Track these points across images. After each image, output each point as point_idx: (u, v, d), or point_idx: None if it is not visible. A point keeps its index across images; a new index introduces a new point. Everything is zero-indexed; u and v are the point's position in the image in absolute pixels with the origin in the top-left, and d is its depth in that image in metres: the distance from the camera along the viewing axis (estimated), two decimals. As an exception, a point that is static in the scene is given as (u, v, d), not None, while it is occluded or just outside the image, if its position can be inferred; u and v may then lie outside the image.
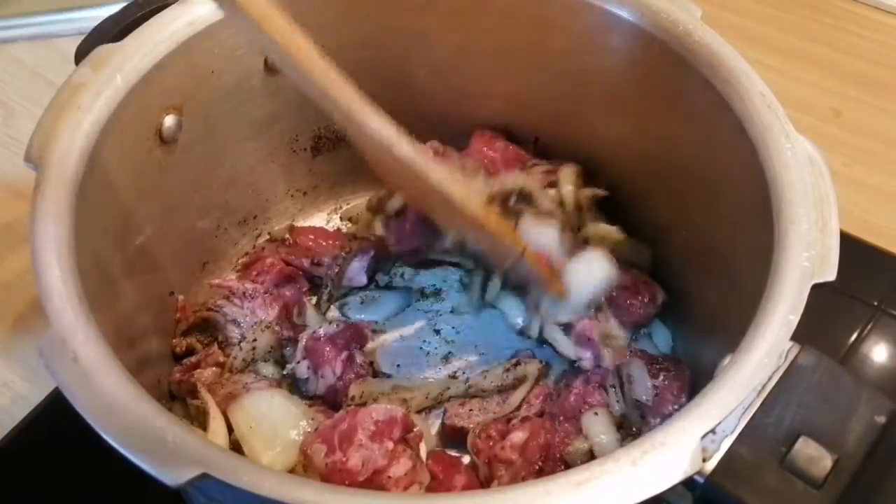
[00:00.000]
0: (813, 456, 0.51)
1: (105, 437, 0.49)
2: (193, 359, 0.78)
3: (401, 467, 0.65)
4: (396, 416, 0.68)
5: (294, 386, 0.79)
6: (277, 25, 0.58)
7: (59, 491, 0.76)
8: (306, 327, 0.81)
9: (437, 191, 0.67)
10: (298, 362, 0.78)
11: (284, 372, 0.78)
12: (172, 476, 0.47)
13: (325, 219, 0.95)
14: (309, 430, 0.69)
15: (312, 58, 0.60)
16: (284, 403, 0.71)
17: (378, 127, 0.63)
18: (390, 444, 0.66)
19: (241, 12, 0.57)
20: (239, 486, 0.47)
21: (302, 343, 0.78)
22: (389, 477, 0.64)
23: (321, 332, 0.78)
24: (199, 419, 0.72)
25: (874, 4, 1.19)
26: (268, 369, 0.78)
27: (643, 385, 0.74)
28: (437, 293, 0.88)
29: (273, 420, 0.69)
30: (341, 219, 0.95)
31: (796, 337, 0.55)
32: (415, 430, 0.70)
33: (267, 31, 0.58)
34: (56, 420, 0.76)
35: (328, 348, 0.77)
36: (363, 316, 0.86)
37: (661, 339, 0.83)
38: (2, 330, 0.86)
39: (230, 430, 0.69)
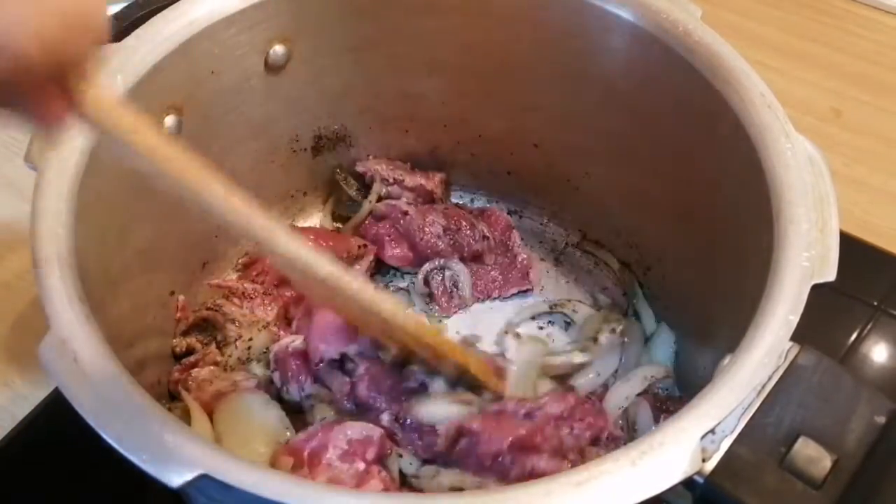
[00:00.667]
0: (813, 456, 0.51)
1: (105, 437, 0.49)
2: (192, 358, 0.78)
3: (370, 489, 0.63)
4: (373, 435, 0.66)
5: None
6: (156, 146, 0.51)
7: (59, 491, 0.76)
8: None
9: (368, 309, 0.62)
10: (273, 371, 0.77)
11: (269, 373, 0.78)
12: (172, 477, 0.47)
13: (325, 219, 0.95)
14: (283, 439, 0.69)
15: (206, 176, 0.53)
16: (262, 411, 0.71)
17: (293, 247, 0.58)
18: (361, 465, 0.64)
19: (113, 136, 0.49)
20: (239, 487, 0.47)
21: (272, 354, 0.77)
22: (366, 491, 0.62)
23: (292, 346, 0.76)
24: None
25: (874, 4, 1.19)
26: (260, 369, 0.79)
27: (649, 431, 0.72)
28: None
29: (249, 427, 0.70)
30: (341, 219, 0.95)
31: (796, 337, 0.54)
32: (392, 450, 0.68)
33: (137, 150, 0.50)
34: (56, 420, 0.76)
35: (296, 363, 0.75)
36: (363, 316, 0.86)
37: (665, 342, 0.83)
38: (2, 330, 0.86)
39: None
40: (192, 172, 0.53)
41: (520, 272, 0.90)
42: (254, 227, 0.56)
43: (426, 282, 0.87)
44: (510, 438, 0.64)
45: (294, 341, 0.77)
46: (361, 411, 0.73)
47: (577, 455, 0.67)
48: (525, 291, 0.90)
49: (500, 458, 0.64)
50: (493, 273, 0.90)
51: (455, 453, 0.67)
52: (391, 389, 0.71)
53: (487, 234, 0.90)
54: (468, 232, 0.89)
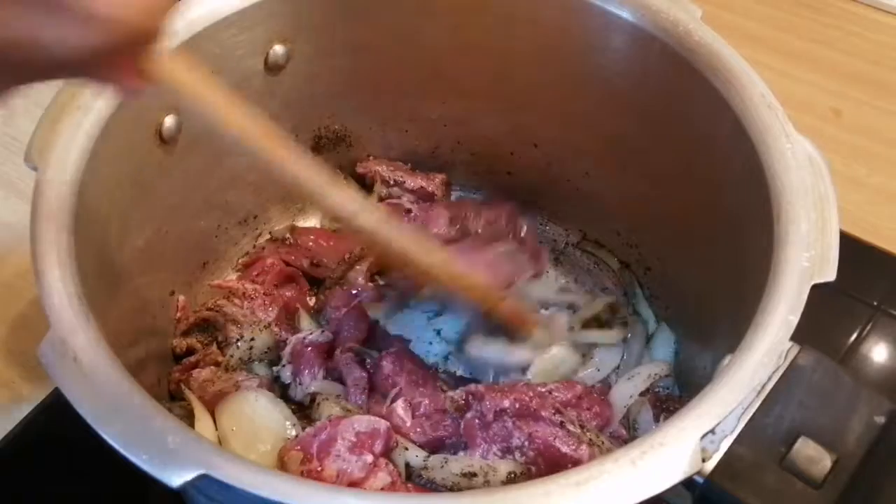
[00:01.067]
0: (812, 456, 0.51)
1: (105, 437, 0.49)
2: (193, 358, 0.78)
3: (378, 482, 0.64)
4: (380, 428, 0.67)
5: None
6: (216, 105, 0.56)
7: (59, 491, 0.76)
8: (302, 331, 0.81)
9: (403, 252, 0.68)
10: (284, 366, 0.77)
11: (273, 370, 0.78)
12: (172, 477, 0.47)
13: (325, 219, 0.95)
14: (289, 436, 0.69)
15: (271, 135, 0.59)
16: (268, 407, 0.71)
17: (342, 200, 0.64)
18: (369, 458, 0.65)
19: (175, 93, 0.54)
20: (239, 487, 0.47)
21: (289, 347, 0.78)
22: (366, 490, 0.63)
23: (309, 338, 0.78)
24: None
25: (874, 4, 1.19)
26: (262, 369, 0.79)
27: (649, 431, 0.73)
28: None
29: (255, 424, 0.70)
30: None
31: (796, 337, 0.54)
32: (398, 443, 0.69)
33: (207, 111, 0.56)
34: (56, 420, 0.76)
35: (313, 356, 0.77)
36: (363, 316, 0.86)
37: (665, 342, 0.83)
38: (2, 330, 0.86)
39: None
40: (252, 128, 0.58)
41: (531, 256, 0.89)
42: (297, 176, 0.62)
43: None
44: (513, 397, 0.69)
45: (311, 334, 0.78)
46: (373, 402, 0.75)
47: (578, 428, 0.68)
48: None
49: (503, 420, 0.68)
50: (503, 260, 0.89)
51: (464, 426, 0.70)
52: (412, 372, 0.75)
53: (493, 219, 0.90)
54: (473, 218, 0.89)
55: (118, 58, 0.46)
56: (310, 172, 0.62)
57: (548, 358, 0.80)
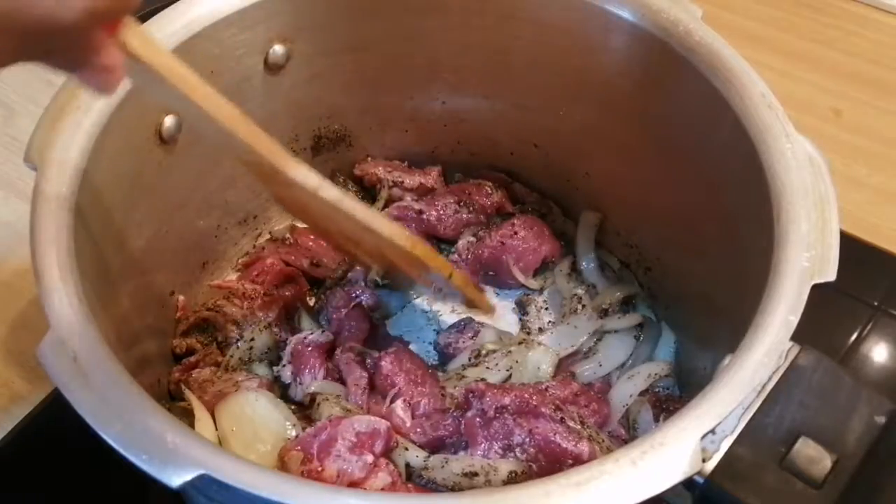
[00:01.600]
0: (813, 456, 0.51)
1: (105, 437, 0.49)
2: (192, 359, 0.78)
3: (378, 482, 0.64)
4: (380, 428, 0.67)
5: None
6: (185, 78, 0.56)
7: (59, 491, 0.76)
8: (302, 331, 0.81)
9: (365, 228, 0.68)
10: (284, 366, 0.78)
11: (273, 370, 0.79)
12: (172, 477, 0.47)
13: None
14: (290, 436, 0.69)
15: (223, 106, 0.59)
16: (268, 407, 0.71)
17: (303, 173, 0.64)
18: (370, 458, 0.65)
19: (146, 69, 0.53)
20: (239, 487, 0.47)
21: (289, 347, 0.78)
22: (366, 490, 0.63)
23: (309, 338, 0.78)
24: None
25: (874, 4, 1.19)
26: (262, 369, 0.79)
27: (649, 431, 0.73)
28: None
29: (255, 424, 0.70)
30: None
31: (796, 337, 0.55)
32: (399, 443, 0.69)
33: (175, 85, 0.56)
34: (56, 420, 0.76)
35: (313, 356, 0.77)
36: (363, 316, 0.86)
37: (665, 342, 0.83)
38: (2, 330, 0.85)
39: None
40: (223, 107, 0.59)
41: (548, 234, 0.90)
42: (268, 154, 0.62)
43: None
44: (514, 394, 0.70)
45: (311, 334, 0.79)
46: (373, 402, 0.75)
47: (578, 424, 0.69)
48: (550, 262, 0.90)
49: (504, 417, 0.69)
50: (524, 239, 0.89)
51: (465, 424, 0.70)
52: (411, 372, 0.75)
53: (492, 191, 0.92)
54: (476, 192, 0.91)
55: (100, 27, 0.46)
56: (272, 146, 0.62)
57: (523, 362, 0.79)
